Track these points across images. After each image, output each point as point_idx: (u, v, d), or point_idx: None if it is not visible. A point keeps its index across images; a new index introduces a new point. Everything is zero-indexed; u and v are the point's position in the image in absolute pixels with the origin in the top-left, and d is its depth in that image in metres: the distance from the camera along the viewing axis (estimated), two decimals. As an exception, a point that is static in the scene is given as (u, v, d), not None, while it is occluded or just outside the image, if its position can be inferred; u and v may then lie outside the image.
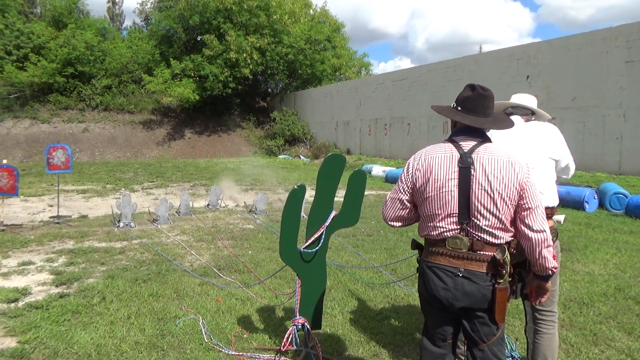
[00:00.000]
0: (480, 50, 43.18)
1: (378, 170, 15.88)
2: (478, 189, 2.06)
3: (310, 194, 3.97)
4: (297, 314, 3.36)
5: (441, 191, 2.11)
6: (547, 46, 13.48)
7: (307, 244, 3.32)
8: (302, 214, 6.19)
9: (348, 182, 3.40)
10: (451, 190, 2.10)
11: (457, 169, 2.09)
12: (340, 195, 3.47)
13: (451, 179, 2.10)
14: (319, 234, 3.32)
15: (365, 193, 11.55)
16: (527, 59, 13.93)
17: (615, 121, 11.63)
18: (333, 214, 3.35)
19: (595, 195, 9.48)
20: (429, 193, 2.15)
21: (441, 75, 17.29)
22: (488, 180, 2.05)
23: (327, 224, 3.33)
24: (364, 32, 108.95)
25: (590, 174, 11.54)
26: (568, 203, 9.38)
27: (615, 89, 11.61)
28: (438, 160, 2.14)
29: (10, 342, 3.54)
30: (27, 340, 3.55)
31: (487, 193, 2.05)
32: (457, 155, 2.11)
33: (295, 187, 3.28)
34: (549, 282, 2.22)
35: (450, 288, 2.10)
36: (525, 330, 3.04)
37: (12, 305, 4.30)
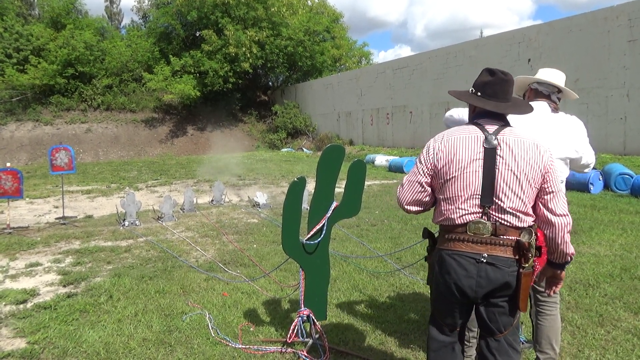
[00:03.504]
0: (481, 35, 42.83)
1: (381, 159, 15.86)
2: (505, 169, 2.04)
3: (313, 186, 3.98)
4: (302, 306, 3.37)
5: (465, 171, 2.07)
6: (548, 28, 13.34)
7: (309, 235, 3.32)
8: (305, 205, 6.21)
9: (348, 173, 3.38)
10: (476, 171, 2.06)
11: (482, 149, 2.06)
12: (342, 186, 3.46)
13: (476, 159, 2.06)
14: (321, 225, 3.32)
15: (369, 183, 11.61)
16: (528, 42, 13.80)
17: (619, 101, 11.53)
18: (334, 204, 3.35)
19: (600, 177, 9.43)
20: (452, 174, 2.10)
21: (442, 61, 17.17)
22: (515, 160, 2.03)
23: (328, 215, 3.32)
24: (363, 21, 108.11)
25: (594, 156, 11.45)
26: (573, 185, 9.33)
27: (618, 69, 11.49)
28: (462, 141, 2.10)
29: (20, 343, 3.58)
30: (37, 340, 3.58)
31: (514, 173, 2.03)
32: (482, 136, 2.08)
33: (295, 179, 3.28)
34: (564, 271, 2.21)
35: (474, 275, 2.04)
36: (530, 314, 3.03)
37: (21, 306, 4.34)
